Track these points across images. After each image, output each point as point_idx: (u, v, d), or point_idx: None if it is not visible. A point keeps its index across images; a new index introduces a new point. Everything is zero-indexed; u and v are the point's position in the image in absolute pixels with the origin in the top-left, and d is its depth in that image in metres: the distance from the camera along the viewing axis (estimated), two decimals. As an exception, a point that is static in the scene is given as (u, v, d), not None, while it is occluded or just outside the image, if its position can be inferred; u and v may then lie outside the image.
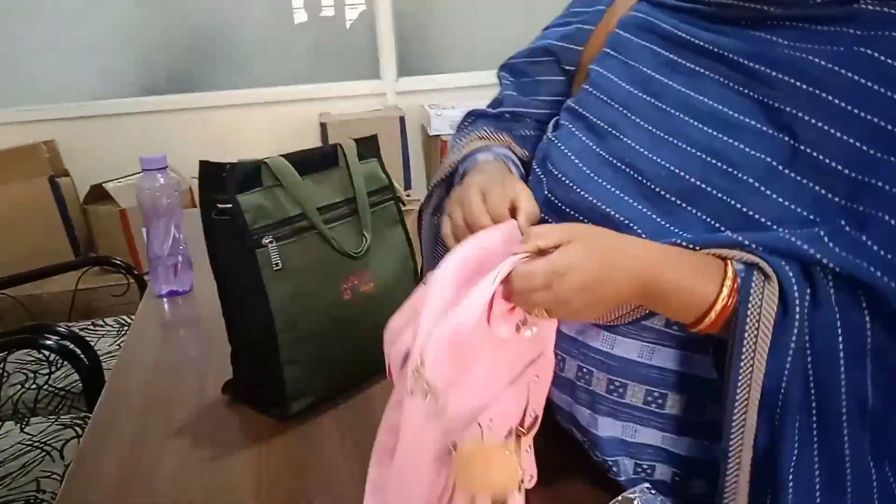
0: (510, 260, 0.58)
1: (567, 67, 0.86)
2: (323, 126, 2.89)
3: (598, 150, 0.73)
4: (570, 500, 0.73)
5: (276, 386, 0.88)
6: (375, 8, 3.06)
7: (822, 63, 0.62)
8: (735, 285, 0.59)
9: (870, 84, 0.59)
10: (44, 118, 2.85)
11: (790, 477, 0.58)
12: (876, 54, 0.60)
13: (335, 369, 0.92)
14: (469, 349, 0.58)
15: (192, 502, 0.75)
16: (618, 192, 0.69)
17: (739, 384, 0.59)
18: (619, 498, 0.61)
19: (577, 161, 0.74)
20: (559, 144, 0.77)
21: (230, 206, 0.83)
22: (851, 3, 0.62)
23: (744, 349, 0.59)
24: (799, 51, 0.64)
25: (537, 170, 0.80)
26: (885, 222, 0.57)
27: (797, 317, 0.58)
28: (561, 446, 0.78)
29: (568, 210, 0.73)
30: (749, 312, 0.59)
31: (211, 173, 0.85)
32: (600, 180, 0.71)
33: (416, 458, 0.58)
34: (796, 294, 0.58)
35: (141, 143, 2.74)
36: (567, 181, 0.73)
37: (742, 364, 0.59)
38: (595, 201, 0.70)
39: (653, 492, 0.61)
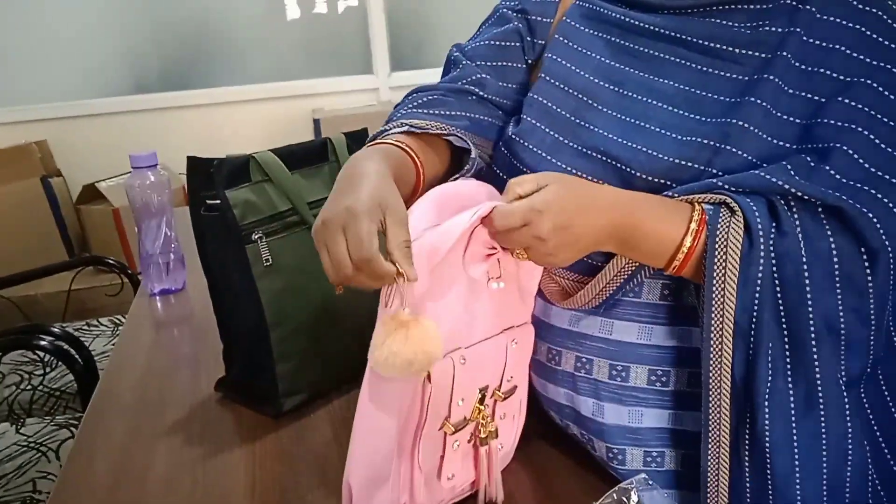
0: (490, 203, 0.61)
1: (529, 60, 0.84)
2: (316, 122, 2.88)
3: (569, 143, 0.73)
4: (566, 498, 0.73)
5: (269, 382, 0.88)
6: (367, 3, 3.05)
7: (778, 29, 0.67)
8: (701, 227, 0.63)
9: (828, 44, 0.66)
10: (35, 118, 2.84)
11: (766, 403, 0.61)
12: (831, 18, 0.66)
13: (328, 365, 0.92)
14: (444, 271, 0.61)
15: (184, 500, 0.74)
16: (598, 181, 0.70)
17: (713, 316, 0.63)
18: (616, 488, 0.61)
19: (546, 155, 0.73)
20: (524, 141, 0.75)
21: (219, 201, 0.83)
22: None
23: (714, 283, 0.62)
24: (752, 28, 0.68)
25: (500, 172, 0.78)
26: (843, 151, 0.62)
27: (762, 247, 0.61)
28: (557, 445, 0.78)
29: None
30: (717, 247, 0.62)
31: (199, 169, 0.84)
32: (578, 173, 0.71)
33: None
34: (759, 225, 0.62)
35: (133, 142, 2.72)
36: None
37: (714, 297, 0.62)
38: None
39: (650, 483, 0.61)
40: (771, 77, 0.67)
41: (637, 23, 0.73)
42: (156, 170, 1.30)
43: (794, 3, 0.68)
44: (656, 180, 0.68)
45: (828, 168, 0.62)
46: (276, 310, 0.86)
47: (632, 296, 0.70)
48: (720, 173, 0.66)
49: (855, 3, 0.66)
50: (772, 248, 0.61)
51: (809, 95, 0.66)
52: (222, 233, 0.84)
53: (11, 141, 2.67)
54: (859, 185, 0.62)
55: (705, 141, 0.67)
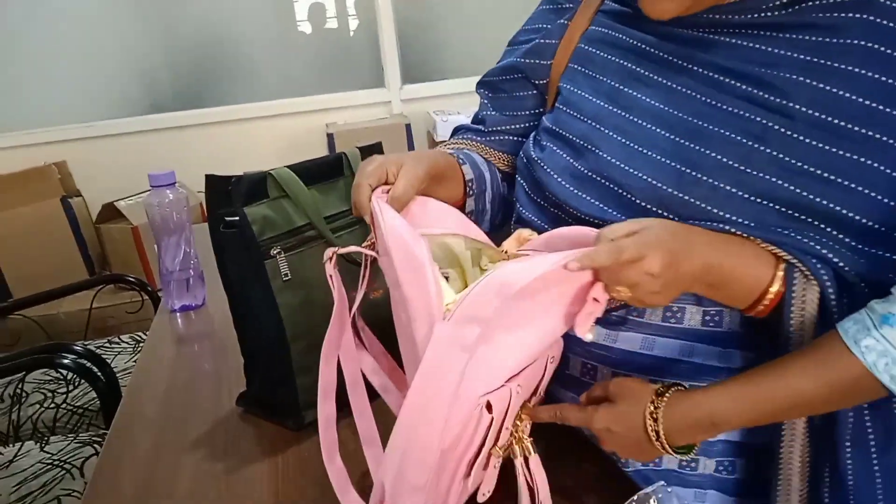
0: (578, 251, 0.59)
1: (537, 82, 0.87)
2: (330, 136, 2.90)
3: (577, 166, 0.76)
4: (585, 500, 0.72)
5: (290, 396, 0.88)
6: (378, 17, 3.08)
7: (785, 74, 0.65)
8: (784, 276, 0.63)
9: (831, 89, 0.63)
10: (54, 140, 2.89)
11: (847, 440, 0.62)
12: (835, 64, 0.63)
13: (348, 377, 0.92)
14: (528, 307, 0.59)
15: (209, 515, 0.75)
16: (602, 205, 0.72)
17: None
18: (636, 497, 0.61)
19: (560, 180, 0.76)
20: (544, 165, 0.79)
21: (237, 218, 0.84)
22: (795, 5, 0.65)
23: (792, 325, 0.63)
24: (758, 62, 0.66)
25: (527, 191, 0.83)
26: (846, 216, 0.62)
27: (835, 312, 0.61)
28: (569, 447, 0.78)
29: (568, 223, 0.75)
30: (793, 312, 0.63)
31: (217, 187, 0.85)
32: (584, 196, 0.74)
33: (436, 392, 0.58)
34: (833, 299, 0.62)
35: (150, 161, 2.76)
36: (558, 200, 0.76)
37: (792, 338, 0.63)
38: (584, 218, 0.73)
39: (668, 489, 0.61)
40: (778, 128, 0.65)
41: (650, 49, 0.74)
42: (174, 188, 1.31)
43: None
44: (654, 209, 0.69)
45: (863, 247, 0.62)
46: (296, 324, 0.87)
47: (635, 314, 0.72)
48: (721, 212, 0.65)
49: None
50: (844, 301, 0.62)
51: (819, 145, 0.63)
52: (241, 249, 0.85)
53: (31, 163, 2.71)
54: None
55: (704, 178, 0.66)
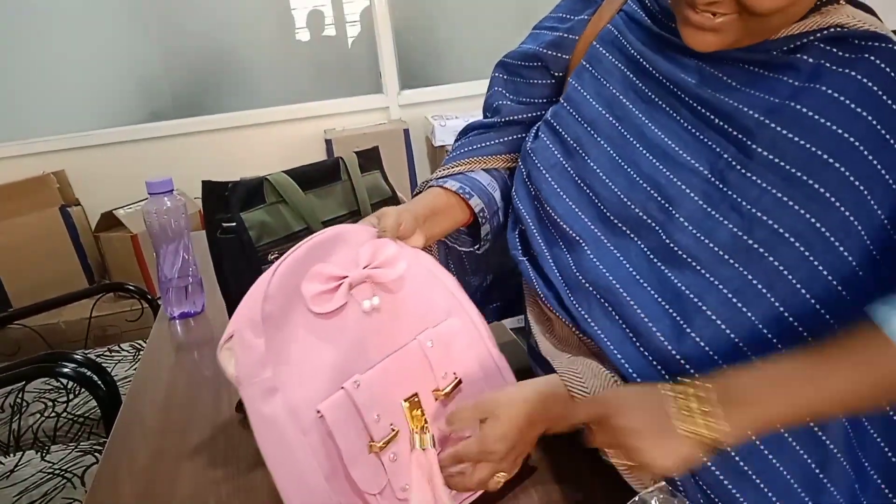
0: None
1: (556, 73, 0.87)
2: (328, 142, 2.90)
3: (566, 165, 0.77)
4: (583, 499, 0.72)
5: (289, 401, 0.88)
6: (375, 23, 3.08)
7: (754, 114, 0.65)
8: None
9: (792, 136, 0.62)
10: (52, 149, 2.89)
11: None
12: (804, 109, 0.62)
13: (347, 382, 0.92)
14: (284, 329, 0.65)
15: (209, 521, 0.75)
16: (578, 210, 0.74)
17: None
18: (636, 499, 0.60)
19: (547, 176, 0.78)
20: (535, 159, 0.80)
21: (234, 224, 0.84)
22: (797, 52, 0.65)
23: None
24: (738, 97, 0.67)
25: (525, 178, 0.83)
26: (788, 281, 0.61)
27: None
28: (571, 446, 0.78)
29: (545, 221, 0.79)
30: None
31: (214, 192, 0.85)
32: (565, 197, 0.76)
33: (280, 437, 0.63)
34: None
35: (149, 169, 2.75)
36: (540, 195, 0.78)
37: None
38: (557, 218, 0.75)
39: (670, 490, 0.61)
40: (738, 167, 0.65)
41: (646, 64, 0.75)
42: (172, 195, 1.31)
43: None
44: (622, 227, 0.71)
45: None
46: (294, 329, 0.87)
47: None
48: (670, 244, 0.67)
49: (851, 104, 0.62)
50: None
51: (773, 191, 0.63)
52: (239, 254, 0.85)
53: (29, 172, 2.72)
54: None
55: (666, 204, 0.68)
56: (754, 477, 0.59)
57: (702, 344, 0.62)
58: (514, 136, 0.91)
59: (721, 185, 0.65)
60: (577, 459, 0.77)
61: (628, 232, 0.70)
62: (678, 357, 0.62)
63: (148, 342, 1.29)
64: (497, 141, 0.92)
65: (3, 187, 2.60)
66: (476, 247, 0.89)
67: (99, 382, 1.35)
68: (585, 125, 0.77)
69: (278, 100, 3.11)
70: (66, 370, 1.34)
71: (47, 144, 2.90)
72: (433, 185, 0.87)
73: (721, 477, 0.59)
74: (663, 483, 0.61)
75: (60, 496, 1.19)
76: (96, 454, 1.30)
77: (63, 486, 1.22)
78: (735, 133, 0.66)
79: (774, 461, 0.59)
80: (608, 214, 0.72)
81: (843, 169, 0.60)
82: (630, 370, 0.65)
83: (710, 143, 0.68)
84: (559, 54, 0.85)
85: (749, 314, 0.61)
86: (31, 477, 1.25)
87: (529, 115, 0.90)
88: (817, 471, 0.58)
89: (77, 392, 1.56)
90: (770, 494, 0.58)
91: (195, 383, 1.09)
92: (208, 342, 1.26)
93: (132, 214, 2.61)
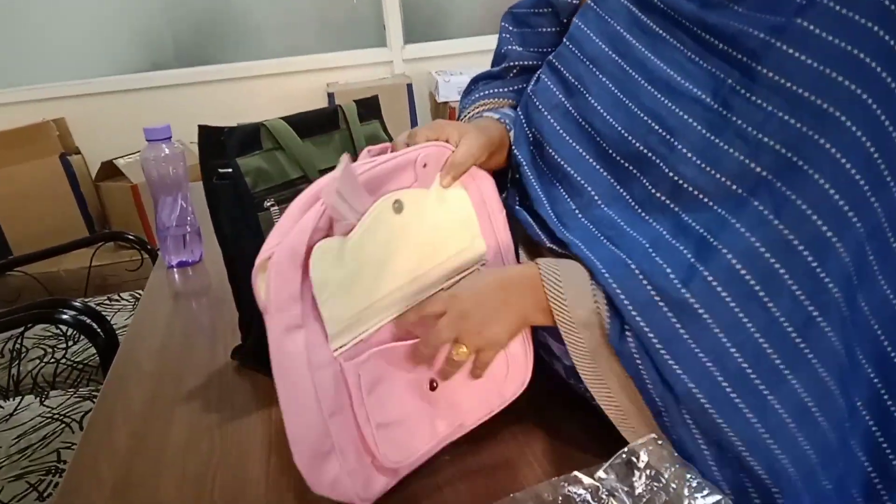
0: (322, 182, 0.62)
1: (564, 19, 0.86)
2: (330, 95, 2.88)
3: (567, 105, 0.76)
4: (579, 458, 0.73)
5: (284, 350, 0.88)
6: (380, -26, 3.03)
7: (758, 35, 0.62)
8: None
9: (798, 55, 0.59)
10: (53, 96, 2.86)
11: None
12: (811, 27, 0.59)
13: (343, 332, 0.92)
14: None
15: (202, 464, 0.75)
16: (581, 150, 0.72)
17: None
18: (626, 448, 0.61)
19: (549, 117, 0.76)
20: (535, 100, 0.78)
21: (230, 170, 0.83)
22: None
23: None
24: (742, 19, 0.64)
25: (523, 122, 0.82)
26: (797, 206, 0.58)
27: None
28: (568, 404, 0.78)
29: (543, 167, 0.77)
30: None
31: (210, 138, 0.84)
32: (567, 137, 0.74)
33: (288, 372, 0.61)
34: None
35: (150, 119, 2.73)
36: (541, 138, 0.76)
37: None
38: (560, 160, 0.73)
39: (660, 442, 0.61)
40: (742, 91, 0.63)
41: (656, 1, 0.72)
42: (170, 142, 1.30)
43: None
44: (624, 163, 0.69)
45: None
46: (290, 277, 0.86)
47: None
48: (674, 177, 0.65)
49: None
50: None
51: (780, 114, 0.60)
52: (234, 201, 0.84)
53: (29, 119, 2.70)
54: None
55: (668, 136, 0.66)
56: (745, 410, 0.58)
57: (713, 282, 0.59)
58: (523, 85, 0.89)
59: (725, 112, 0.63)
60: (567, 412, 0.77)
61: (631, 168, 0.68)
62: (687, 295, 0.60)
63: (145, 290, 1.29)
64: (507, 89, 0.90)
65: (2, 134, 2.58)
66: (504, 194, 0.85)
67: (98, 330, 1.36)
68: (587, 62, 0.75)
69: (281, 52, 3.07)
70: (65, 317, 1.35)
71: (47, 91, 2.87)
72: (488, 116, 0.84)
73: (709, 408, 0.58)
74: (653, 435, 0.61)
75: (59, 440, 1.20)
76: (95, 400, 1.31)
77: (62, 430, 1.23)
78: (739, 56, 0.63)
79: (768, 394, 0.57)
80: (610, 151, 0.70)
81: (853, 87, 0.57)
82: (619, 292, 0.62)
83: (713, 69, 0.66)
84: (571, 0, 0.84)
85: (757, 244, 0.59)
86: (29, 421, 1.26)
87: (537, 62, 0.88)
88: (812, 406, 0.57)
89: (77, 339, 1.57)
90: (761, 429, 0.57)
91: (192, 331, 1.09)
92: (206, 291, 1.26)
93: (132, 164, 2.59)
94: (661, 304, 0.60)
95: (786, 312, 0.58)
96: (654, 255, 0.63)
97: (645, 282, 0.61)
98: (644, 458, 0.59)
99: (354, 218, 0.62)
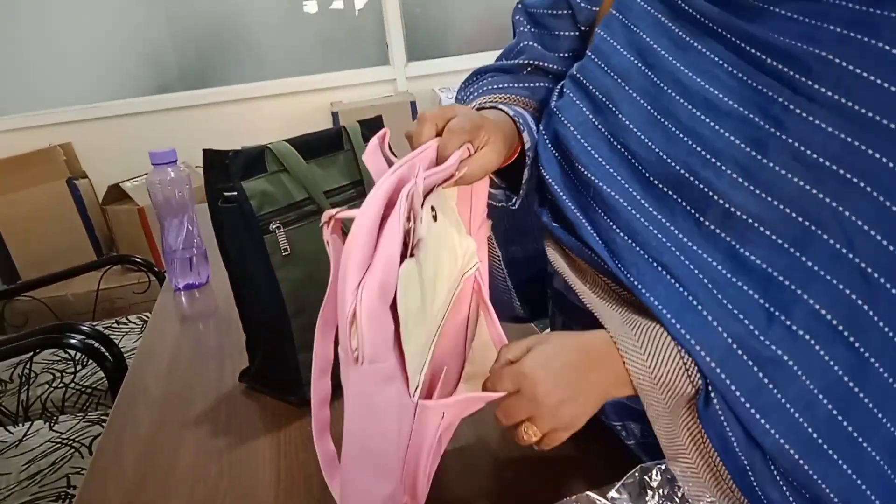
0: (406, 190, 0.54)
1: (581, 26, 0.81)
2: (335, 115, 2.89)
3: (595, 122, 0.70)
4: (588, 472, 0.72)
5: (292, 371, 0.88)
6: (383, -6, 3.05)
7: (813, 50, 0.56)
8: None
9: (860, 72, 0.54)
10: (59, 121, 2.89)
11: None
12: (872, 41, 0.54)
13: (350, 353, 0.92)
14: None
15: (211, 489, 0.75)
16: (612, 170, 0.67)
17: None
18: (638, 468, 0.60)
19: (576, 133, 0.70)
20: (561, 116, 0.73)
21: (235, 193, 0.83)
22: None
23: None
24: (793, 33, 0.58)
25: (546, 140, 0.76)
26: (870, 236, 0.53)
27: None
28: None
29: (577, 185, 0.71)
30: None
31: (215, 161, 0.84)
32: (597, 156, 0.68)
33: (375, 424, 0.57)
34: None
35: (156, 141, 2.76)
36: (570, 154, 0.71)
37: None
38: (592, 177, 0.68)
39: (669, 475, 0.60)
40: (798, 111, 0.56)
41: (685, 7, 0.67)
42: (175, 166, 1.31)
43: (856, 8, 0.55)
44: (662, 187, 0.63)
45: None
46: (296, 299, 0.86)
47: None
48: (724, 203, 0.59)
49: None
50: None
51: (840, 135, 0.54)
52: (240, 224, 0.84)
53: (36, 144, 2.72)
54: None
55: (713, 160, 0.60)
56: (839, 460, 0.53)
57: (795, 328, 0.54)
58: (539, 84, 0.83)
59: (778, 133, 0.57)
60: (577, 431, 0.77)
61: (670, 193, 0.62)
62: (768, 343, 0.55)
63: (153, 313, 1.29)
64: (519, 85, 0.83)
65: (10, 160, 2.60)
66: (514, 200, 0.78)
67: (106, 354, 1.36)
68: (615, 77, 0.69)
69: (285, 72, 3.09)
70: (73, 341, 1.35)
71: (54, 116, 2.89)
72: (494, 106, 0.76)
73: (801, 462, 0.54)
74: (662, 465, 0.60)
75: (68, 465, 1.20)
76: (104, 424, 1.31)
77: (71, 455, 1.23)
78: (791, 73, 0.57)
79: (862, 441, 0.53)
80: (646, 174, 0.64)
81: None
82: (694, 343, 0.57)
83: (759, 86, 0.59)
84: (587, 5, 0.79)
85: (835, 282, 0.54)
86: (39, 446, 1.26)
87: (554, 66, 0.82)
88: None
89: (85, 363, 1.57)
90: (857, 480, 0.53)
91: (199, 354, 1.09)
92: (213, 313, 1.26)
93: (139, 187, 2.61)
94: (740, 353, 0.56)
95: (874, 351, 0.53)
96: (720, 297, 0.58)
97: (721, 329, 0.57)
98: (657, 477, 0.59)
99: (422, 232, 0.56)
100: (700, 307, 0.58)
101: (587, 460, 0.73)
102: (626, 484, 0.59)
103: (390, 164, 0.60)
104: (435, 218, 0.60)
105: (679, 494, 0.57)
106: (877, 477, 0.52)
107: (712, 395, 0.57)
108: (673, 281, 0.60)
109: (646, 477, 0.59)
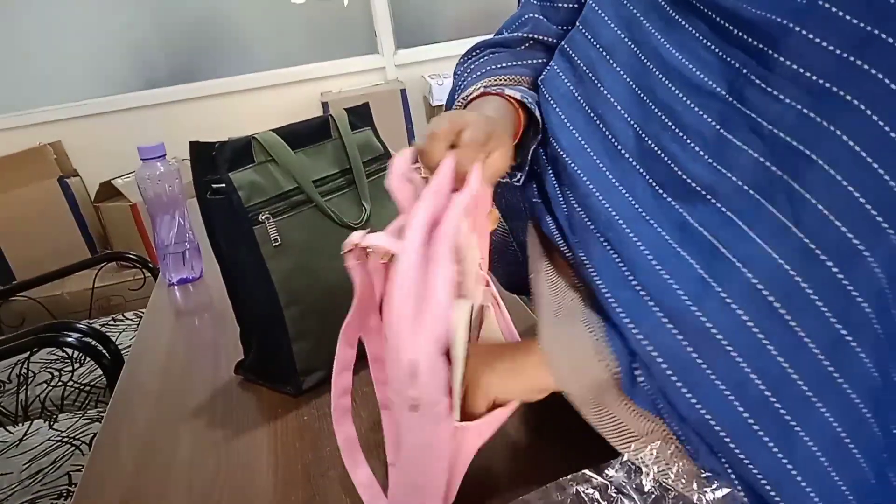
0: (453, 221, 0.54)
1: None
2: (325, 105, 2.88)
3: (575, 93, 0.69)
4: (584, 452, 0.72)
5: (287, 362, 0.88)
6: (369, -19, 3.03)
7: (776, 19, 0.55)
8: None
9: (820, 42, 0.53)
10: (48, 120, 2.87)
11: None
12: (834, 9, 0.52)
13: (345, 341, 0.92)
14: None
15: (209, 481, 0.75)
16: (584, 142, 0.66)
17: None
18: (625, 457, 0.60)
19: (555, 106, 0.70)
20: (544, 91, 0.73)
21: (223, 185, 0.82)
22: None
23: None
24: (762, 3, 0.57)
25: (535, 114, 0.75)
26: (818, 210, 0.51)
27: None
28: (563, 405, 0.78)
29: (545, 161, 0.70)
30: None
31: (202, 154, 0.84)
32: (572, 128, 0.67)
33: (432, 462, 0.58)
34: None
35: (146, 137, 2.74)
36: (548, 129, 0.70)
37: None
38: (561, 151, 0.67)
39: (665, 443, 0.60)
40: (758, 82, 0.56)
41: None
42: (164, 160, 1.30)
43: None
44: (634, 163, 0.62)
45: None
46: (289, 289, 0.86)
47: None
48: (683, 176, 0.59)
49: None
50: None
51: (798, 106, 0.54)
52: (229, 216, 0.84)
53: (26, 144, 2.71)
54: None
55: (681, 134, 0.60)
56: (769, 442, 0.52)
57: (729, 301, 0.53)
58: (537, 61, 0.81)
59: (739, 105, 0.57)
60: (571, 411, 0.77)
61: (636, 164, 0.62)
62: (700, 316, 0.53)
63: (147, 309, 1.29)
64: (522, 63, 0.81)
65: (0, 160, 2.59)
66: (519, 176, 0.75)
67: (103, 351, 1.36)
68: (601, 49, 0.69)
69: (273, 63, 3.08)
70: (70, 340, 1.35)
71: (42, 115, 2.88)
72: (493, 94, 0.74)
73: (728, 441, 0.53)
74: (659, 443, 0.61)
75: (69, 463, 1.20)
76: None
77: (71, 453, 1.23)
78: (756, 43, 0.57)
79: (795, 425, 0.52)
80: (619, 147, 0.64)
81: (879, 75, 0.50)
82: (625, 318, 0.56)
83: (729, 58, 0.59)
84: None
85: (776, 257, 0.52)
86: (39, 445, 1.26)
87: (554, 41, 0.80)
88: (844, 436, 0.52)
89: (83, 361, 1.57)
90: (788, 464, 0.52)
91: (194, 348, 1.09)
92: (207, 307, 1.25)
93: (130, 183, 2.60)
94: (670, 327, 0.54)
95: (811, 332, 0.51)
96: (659, 269, 0.56)
97: (652, 304, 0.55)
98: (653, 455, 0.59)
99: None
100: (636, 283, 0.57)
101: (582, 440, 0.73)
102: (623, 462, 0.59)
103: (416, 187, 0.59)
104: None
105: (674, 471, 0.58)
106: (808, 462, 0.51)
107: (638, 374, 0.57)
108: (615, 256, 0.60)
109: (640, 454, 0.59)
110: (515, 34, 0.82)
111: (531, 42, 0.81)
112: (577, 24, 0.74)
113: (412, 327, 0.50)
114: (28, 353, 1.54)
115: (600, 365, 0.58)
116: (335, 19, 3.12)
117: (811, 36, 0.53)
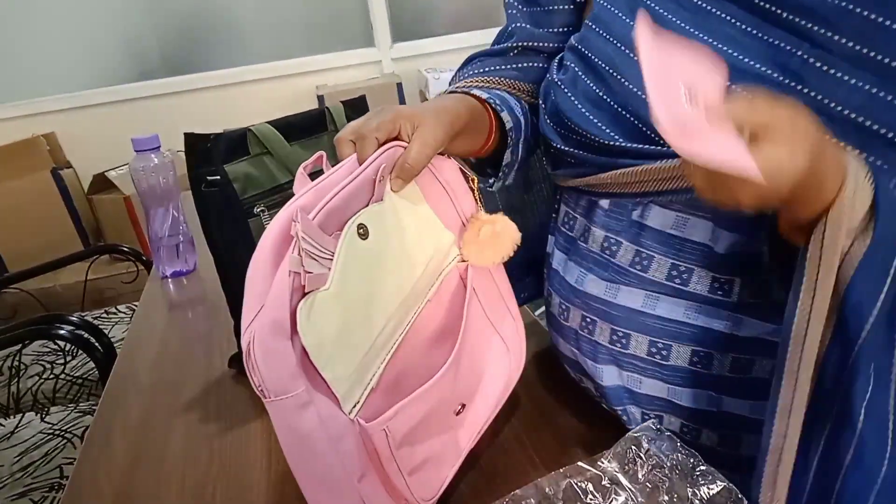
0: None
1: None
2: (320, 98, 2.87)
3: (600, 94, 0.68)
4: (579, 442, 0.72)
5: (281, 355, 0.88)
6: (365, -26, 3.02)
7: (831, 0, 0.54)
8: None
9: (882, 20, 0.52)
10: (41, 111, 2.86)
11: (862, 411, 0.51)
12: None
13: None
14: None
15: (202, 474, 0.75)
16: (618, 137, 0.65)
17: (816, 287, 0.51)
18: (626, 437, 0.60)
19: (580, 107, 0.69)
20: (565, 90, 0.71)
21: (218, 177, 0.82)
22: None
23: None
24: None
25: (546, 118, 0.75)
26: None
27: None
28: (570, 392, 0.78)
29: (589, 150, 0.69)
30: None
31: (197, 145, 0.83)
32: (602, 126, 0.66)
33: (307, 450, 0.55)
34: None
35: (140, 129, 2.72)
36: (577, 129, 0.69)
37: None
38: (602, 142, 0.66)
39: (658, 429, 0.60)
40: (818, 64, 0.55)
41: None
42: (158, 152, 1.29)
43: None
44: (674, 154, 0.59)
45: None
46: (283, 282, 0.86)
47: (639, 269, 0.66)
48: None
49: None
50: None
51: (863, 85, 0.53)
52: (224, 208, 0.83)
53: (19, 135, 2.69)
54: None
55: None
56: None
57: None
58: (531, 65, 0.81)
59: (799, 86, 0.55)
60: (566, 404, 0.77)
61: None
62: None
63: (140, 302, 1.28)
64: (511, 66, 0.81)
65: (-8, 151, 2.58)
66: (491, 181, 0.76)
67: (96, 344, 1.35)
68: (618, 43, 0.67)
69: (269, 56, 3.06)
70: (62, 332, 1.34)
71: (36, 106, 2.86)
72: (467, 91, 0.73)
73: None
74: (652, 422, 0.61)
75: (61, 456, 1.20)
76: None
77: (63, 445, 1.22)
78: (808, 25, 0.56)
79: None
80: (654, 137, 0.62)
81: None
82: None
83: (776, 41, 0.57)
84: None
85: None
86: (31, 438, 1.25)
87: (548, 44, 0.81)
88: None
89: (75, 354, 1.57)
90: None
91: (188, 340, 1.08)
92: (201, 300, 1.25)
93: (124, 176, 2.59)
94: None
95: None
96: None
97: None
98: (646, 445, 0.59)
99: (326, 266, 0.53)
100: None
101: (576, 433, 0.74)
102: (616, 453, 0.59)
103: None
104: (365, 236, 0.58)
105: (668, 463, 0.58)
106: None
107: None
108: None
109: (634, 446, 0.59)
110: (504, 45, 0.83)
111: (519, 48, 0.82)
112: (588, 22, 0.72)
113: (251, 313, 0.51)
114: (20, 345, 1.53)
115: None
116: (331, 12, 3.11)
117: (873, 16, 0.52)
